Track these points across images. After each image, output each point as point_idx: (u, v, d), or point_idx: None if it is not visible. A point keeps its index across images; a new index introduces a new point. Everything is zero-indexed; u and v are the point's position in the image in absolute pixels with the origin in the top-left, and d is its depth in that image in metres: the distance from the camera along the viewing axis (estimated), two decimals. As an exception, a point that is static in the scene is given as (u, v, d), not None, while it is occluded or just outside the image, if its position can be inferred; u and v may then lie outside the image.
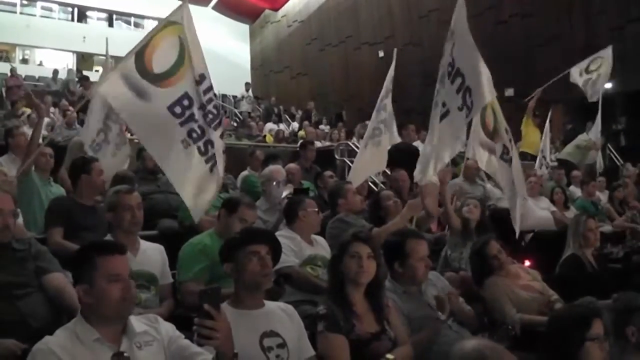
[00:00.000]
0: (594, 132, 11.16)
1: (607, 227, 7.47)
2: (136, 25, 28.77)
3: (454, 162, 8.50)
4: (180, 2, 4.54)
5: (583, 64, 9.84)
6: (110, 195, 4.07)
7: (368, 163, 7.05)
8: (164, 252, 4.07)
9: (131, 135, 7.11)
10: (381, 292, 3.41)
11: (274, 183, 5.98)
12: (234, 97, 22.80)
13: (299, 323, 3.06)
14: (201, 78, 4.53)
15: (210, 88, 4.62)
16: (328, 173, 7.22)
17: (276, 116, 19.56)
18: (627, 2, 13.97)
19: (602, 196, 9.15)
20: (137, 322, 2.51)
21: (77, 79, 17.91)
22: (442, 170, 5.28)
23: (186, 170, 4.50)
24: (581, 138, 11.67)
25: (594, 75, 9.93)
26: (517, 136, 11.09)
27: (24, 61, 25.87)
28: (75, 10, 27.36)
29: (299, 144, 10.33)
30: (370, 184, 8.34)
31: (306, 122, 18.30)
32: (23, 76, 18.70)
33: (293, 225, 4.57)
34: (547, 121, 10.71)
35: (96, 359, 2.34)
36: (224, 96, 22.89)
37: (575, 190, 9.37)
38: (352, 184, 5.97)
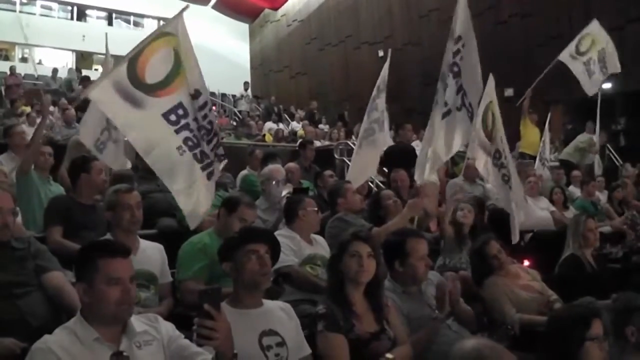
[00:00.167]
0: (595, 133, 11.16)
1: (606, 227, 7.47)
2: (136, 24, 28.79)
3: (454, 162, 8.52)
4: (180, 1, 4.50)
5: (571, 46, 9.62)
6: (110, 194, 4.07)
7: (365, 163, 7.05)
8: (163, 251, 4.07)
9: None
10: (380, 291, 3.42)
11: (274, 182, 5.97)
12: (233, 96, 22.81)
13: (296, 321, 3.06)
14: (197, 93, 4.47)
15: (206, 104, 4.54)
16: (328, 172, 7.22)
17: (276, 115, 19.56)
18: (626, 2, 13.95)
19: (602, 196, 9.14)
20: (137, 322, 2.50)
21: (78, 79, 17.91)
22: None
23: (182, 176, 4.48)
24: (579, 139, 11.66)
25: (587, 57, 9.67)
26: (516, 136, 11.15)
27: (23, 60, 25.85)
28: (75, 9, 27.35)
29: (298, 143, 10.33)
30: (369, 183, 8.34)
31: (306, 122, 18.30)
32: (22, 75, 18.71)
33: (292, 224, 4.57)
34: (547, 121, 10.70)
35: (95, 359, 2.33)
36: (224, 95, 22.93)
37: (575, 190, 9.37)
38: (351, 184, 5.97)
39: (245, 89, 21.82)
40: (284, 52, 25.88)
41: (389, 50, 7.21)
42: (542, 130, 10.72)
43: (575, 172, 10.02)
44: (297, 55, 24.90)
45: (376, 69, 7.02)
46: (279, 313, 3.01)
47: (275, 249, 3.08)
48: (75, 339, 2.35)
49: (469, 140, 5.55)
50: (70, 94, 15.45)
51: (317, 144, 11.86)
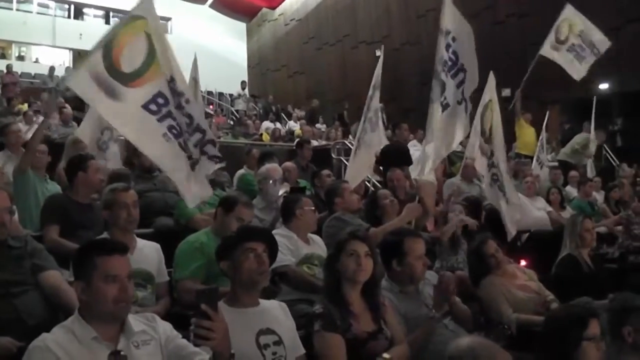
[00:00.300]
0: (592, 132, 11.15)
1: (603, 228, 7.48)
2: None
3: (452, 161, 8.53)
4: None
5: (551, 37, 9.43)
6: (106, 193, 4.05)
7: (361, 163, 7.08)
8: (160, 250, 4.06)
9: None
10: (377, 291, 3.41)
11: (271, 181, 5.97)
12: (231, 95, 22.80)
13: (292, 320, 3.06)
14: (172, 79, 4.41)
15: (182, 94, 4.46)
16: (325, 172, 7.21)
17: (274, 115, 19.55)
18: (624, 2, 13.98)
19: (599, 196, 9.16)
20: (134, 321, 2.50)
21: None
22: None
23: (172, 159, 4.46)
24: (575, 141, 11.65)
25: (569, 44, 9.53)
26: (513, 136, 11.17)
27: (20, 58, 25.82)
28: (72, 7, 27.31)
29: (295, 142, 10.34)
30: (366, 183, 8.34)
31: (303, 121, 18.30)
32: (19, 73, 18.68)
33: (290, 223, 4.56)
34: (545, 122, 10.71)
35: (93, 358, 2.33)
36: (221, 94, 22.91)
37: (572, 191, 9.38)
38: (348, 183, 5.97)
39: (243, 88, 21.83)
40: (281, 51, 25.90)
41: (382, 47, 7.24)
42: (537, 130, 10.73)
43: (573, 173, 10.03)
44: (294, 55, 24.91)
45: (374, 68, 7.03)
46: (275, 312, 3.01)
47: (272, 248, 3.07)
48: (73, 338, 2.35)
49: (470, 134, 5.59)
50: (67, 93, 15.42)
51: (315, 143, 11.86)
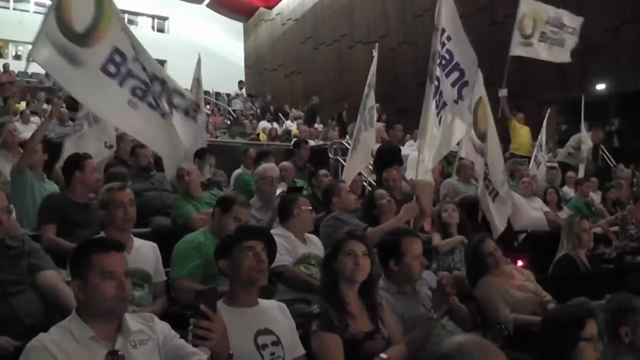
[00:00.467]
0: (583, 133, 11.12)
1: (599, 228, 7.49)
2: (130, 22, 28.61)
3: (448, 161, 8.54)
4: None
5: (515, 36, 9.20)
6: (103, 193, 4.05)
7: (356, 162, 7.12)
8: (157, 249, 4.06)
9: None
10: (375, 291, 3.41)
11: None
12: (228, 95, 22.79)
13: (291, 321, 3.06)
14: (124, 29, 4.41)
15: (134, 45, 4.44)
16: (322, 172, 7.22)
17: (271, 114, 19.53)
18: (622, 2, 14.00)
19: (596, 197, 9.16)
20: (132, 321, 2.50)
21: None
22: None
23: (146, 126, 4.43)
24: (570, 144, 11.63)
25: (538, 34, 9.38)
26: (509, 137, 11.17)
27: (17, 57, 25.75)
28: (69, 6, 27.22)
29: (292, 142, 10.34)
30: (363, 182, 8.35)
31: (300, 121, 18.28)
32: (16, 72, 18.63)
33: (287, 223, 4.56)
34: (545, 122, 10.70)
35: (91, 357, 2.32)
36: (218, 94, 22.89)
37: (569, 191, 9.38)
38: (345, 183, 5.97)
39: (240, 88, 21.81)
40: (278, 51, 25.90)
41: (376, 45, 7.25)
42: (532, 129, 10.69)
43: (570, 173, 10.03)
44: (291, 54, 24.91)
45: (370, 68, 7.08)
46: (274, 312, 3.01)
47: (271, 248, 3.07)
48: (70, 338, 2.34)
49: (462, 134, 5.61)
50: (59, 93, 15.39)
51: (312, 143, 11.86)
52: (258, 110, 20.85)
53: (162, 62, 21.23)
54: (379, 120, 14.48)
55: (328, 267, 3.33)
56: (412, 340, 3.36)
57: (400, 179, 6.52)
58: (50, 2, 4.24)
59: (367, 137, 7.10)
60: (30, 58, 4.37)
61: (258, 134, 15.94)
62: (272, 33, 26.38)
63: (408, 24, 19.46)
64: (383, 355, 2.95)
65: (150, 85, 4.44)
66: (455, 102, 5.34)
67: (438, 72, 5.17)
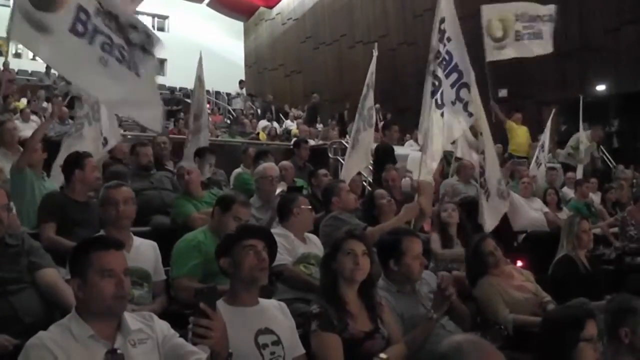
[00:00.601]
0: (581, 133, 11.11)
1: (599, 229, 7.50)
2: (130, 21, 28.66)
3: (448, 161, 8.56)
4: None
5: (487, 42, 8.79)
6: (101, 191, 4.06)
7: (355, 162, 7.14)
8: (157, 248, 4.05)
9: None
10: (374, 290, 3.41)
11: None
12: (228, 94, 22.78)
13: (291, 320, 3.06)
14: None
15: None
16: (322, 171, 7.23)
17: (271, 114, 19.51)
18: (621, 3, 14.00)
19: (595, 198, 9.16)
20: (132, 320, 2.49)
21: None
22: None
23: (118, 83, 4.43)
24: (569, 144, 11.63)
25: (512, 34, 9.23)
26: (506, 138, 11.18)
27: (17, 55, 25.71)
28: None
29: (292, 142, 10.34)
30: (362, 182, 8.36)
31: (300, 120, 18.27)
32: (16, 70, 18.61)
33: (286, 222, 4.56)
34: (548, 123, 10.69)
35: (90, 356, 2.32)
36: (218, 93, 22.87)
37: (568, 192, 9.38)
38: (345, 183, 5.98)
39: (241, 88, 21.80)
40: (278, 51, 25.90)
41: (376, 45, 7.26)
42: (531, 129, 10.68)
43: (570, 174, 10.03)
44: (291, 54, 24.92)
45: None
46: (274, 311, 3.00)
47: (272, 248, 3.07)
48: (69, 336, 2.34)
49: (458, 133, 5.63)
50: (55, 92, 15.39)
51: (312, 142, 11.87)
52: (258, 110, 20.84)
53: (162, 61, 21.26)
54: (383, 120, 14.53)
55: (327, 267, 3.33)
56: (412, 340, 3.36)
57: (399, 179, 6.53)
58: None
59: (366, 137, 7.12)
60: (9, 36, 4.40)
61: (258, 134, 15.94)
62: (273, 32, 26.38)
63: (408, 23, 19.45)
64: (383, 355, 2.94)
65: (111, 29, 4.46)
66: (453, 103, 5.36)
67: (439, 72, 5.18)
